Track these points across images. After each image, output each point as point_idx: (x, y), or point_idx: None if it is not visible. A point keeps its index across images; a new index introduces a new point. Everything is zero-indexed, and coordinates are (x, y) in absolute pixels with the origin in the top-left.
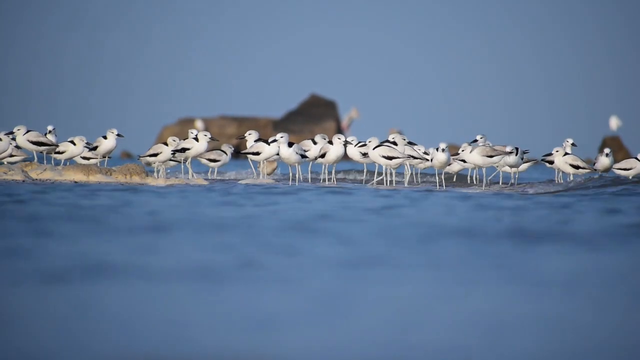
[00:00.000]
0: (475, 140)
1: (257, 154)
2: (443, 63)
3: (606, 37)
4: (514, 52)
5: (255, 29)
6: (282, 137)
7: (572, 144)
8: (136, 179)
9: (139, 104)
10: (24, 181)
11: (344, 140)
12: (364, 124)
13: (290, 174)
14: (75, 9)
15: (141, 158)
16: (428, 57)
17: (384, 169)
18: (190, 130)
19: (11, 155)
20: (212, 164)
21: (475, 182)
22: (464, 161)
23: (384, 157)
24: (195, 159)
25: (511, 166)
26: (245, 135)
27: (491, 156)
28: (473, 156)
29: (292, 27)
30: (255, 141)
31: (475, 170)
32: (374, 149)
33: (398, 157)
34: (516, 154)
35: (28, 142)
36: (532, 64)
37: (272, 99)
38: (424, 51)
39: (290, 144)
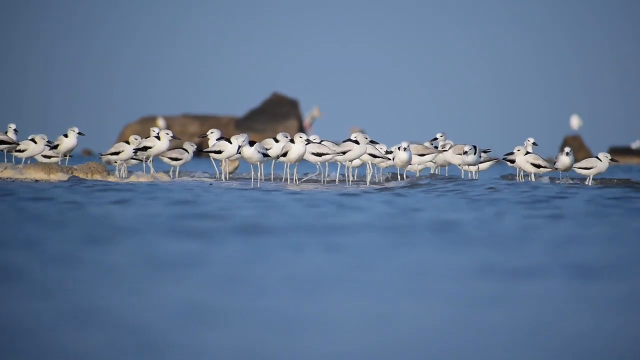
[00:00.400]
0: (435, 139)
1: (219, 152)
2: (405, 62)
3: (568, 37)
4: (476, 51)
5: (218, 27)
6: (243, 140)
7: (533, 143)
8: (97, 177)
9: (101, 102)
10: None
11: (305, 138)
12: (326, 123)
13: (252, 173)
14: (35, 6)
15: (102, 156)
16: (391, 56)
17: (317, 166)
18: (152, 129)
19: None
20: (173, 162)
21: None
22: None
23: (313, 154)
24: (156, 157)
25: (469, 165)
26: (208, 133)
27: (422, 154)
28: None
29: (255, 26)
30: (218, 140)
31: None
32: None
33: (327, 154)
34: (474, 153)
35: None
36: (493, 63)
37: (234, 98)
38: (386, 50)
39: (251, 143)
